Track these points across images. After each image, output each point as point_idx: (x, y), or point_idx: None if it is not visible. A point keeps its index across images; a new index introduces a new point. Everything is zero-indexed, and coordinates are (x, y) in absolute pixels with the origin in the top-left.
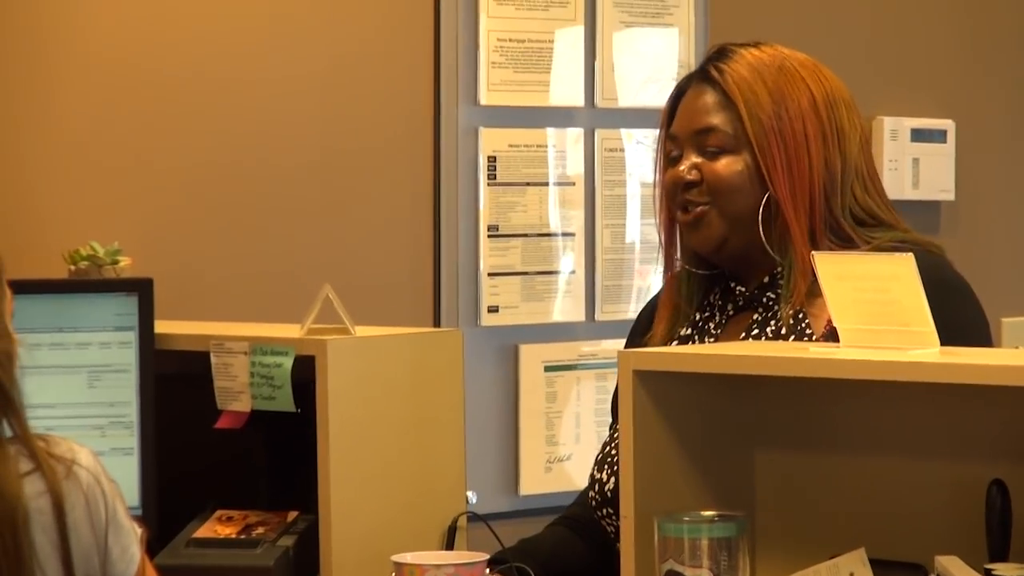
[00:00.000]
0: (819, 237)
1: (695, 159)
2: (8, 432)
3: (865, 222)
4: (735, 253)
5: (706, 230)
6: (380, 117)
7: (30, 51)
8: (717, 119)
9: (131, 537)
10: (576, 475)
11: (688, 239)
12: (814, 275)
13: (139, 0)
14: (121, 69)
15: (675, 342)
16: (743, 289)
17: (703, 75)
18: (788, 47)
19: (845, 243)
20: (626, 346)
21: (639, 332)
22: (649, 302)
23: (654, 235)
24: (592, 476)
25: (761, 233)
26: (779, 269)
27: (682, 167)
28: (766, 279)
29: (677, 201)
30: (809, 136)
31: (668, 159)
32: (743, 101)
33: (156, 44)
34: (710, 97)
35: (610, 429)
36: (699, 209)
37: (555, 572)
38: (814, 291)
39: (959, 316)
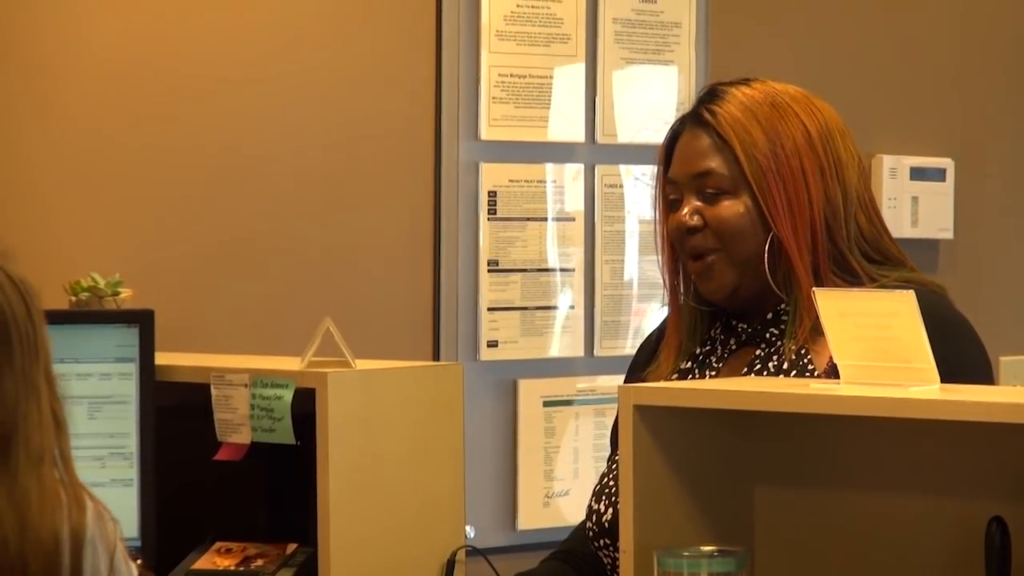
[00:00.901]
0: (823, 273)
1: (696, 203)
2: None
3: (873, 258)
4: (746, 298)
5: (718, 280)
6: (381, 151)
7: (30, 79)
8: (714, 162)
9: None
10: (574, 510)
11: (700, 288)
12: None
13: (139, 27)
14: (122, 102)
15: (675, 375)
16: (745, 326)
17: (696, 118)
18: (783, 83)
19: (851, 278)
20: (626, 380)
21: (639, 366)
22: (649, 336)
23: (653, 271)
24: (590, 507)
25: (768, 273)
26: (783, 305)
27: (684, 212)
28: (769, 315)
29: (685, 249)
30: (807, 171)
31: (668, 204)
32: (738, 142)
33: (157, 77)
34: (705, 140)
35: (608, 460)
36: (710, 259)
37: None
38: (817, 328)
39: (962, 356)
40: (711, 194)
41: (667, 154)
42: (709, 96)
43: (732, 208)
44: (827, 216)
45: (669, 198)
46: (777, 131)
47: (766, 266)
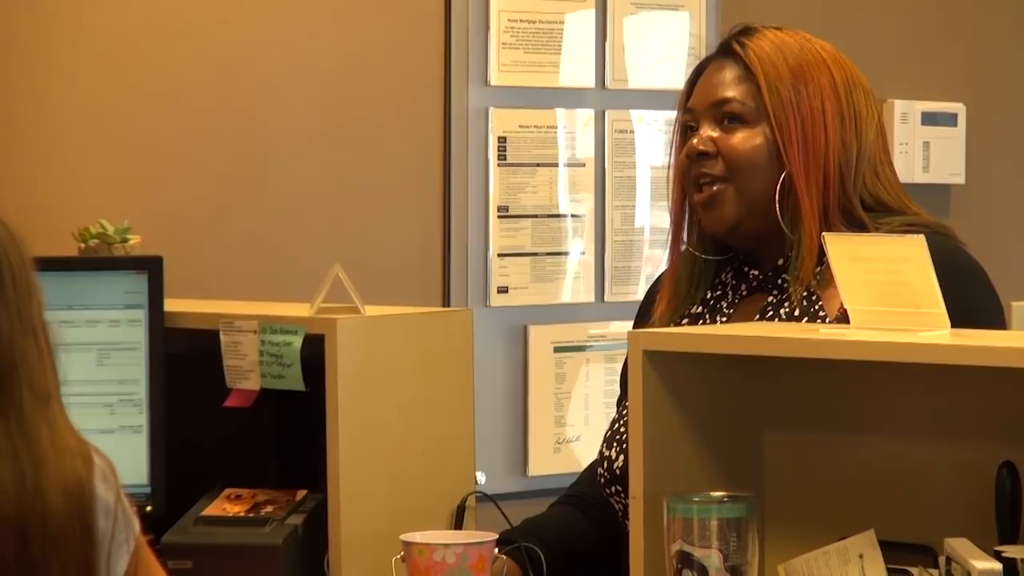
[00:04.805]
0: (831, 217)
1: (711, 131)
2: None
3: (871, 207)
4: (748, 236)
5: (720, 210)
6: (390, 98)
7: (37, 28)
8: (735, 91)
9: (132, 531)
10: (584, 456)
11: (702, 219)
12: (821, 254)
13: None
14: (129, 47)
15: (685, 320)
16: (757, 272)
17: (725, 50)
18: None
19: (856, 227)
20: (634, 326)
21: (646, 312)
22: (655, 281)
23: (664, 218)
24: (601, 453)
25: (777, 211)
26: (792, 251)
27: (696, 139)
28: (780, 262)
29: (691, 176)
30: (827, 115)
31: (684, 132)
32: (763, 74)
33: (165, 23)
34: (730, 71)
35: (619, 406)
36: (716, 188)
37: (562, 550)
38: (828, 275)
39: (973, 300)
40: (728, 123)
41: (689, 87)
42: (742, 31)
43: (747, 139)
44: (841, 163)
45: (686, 126)
46: (803, 71)
47: (776, 204)
